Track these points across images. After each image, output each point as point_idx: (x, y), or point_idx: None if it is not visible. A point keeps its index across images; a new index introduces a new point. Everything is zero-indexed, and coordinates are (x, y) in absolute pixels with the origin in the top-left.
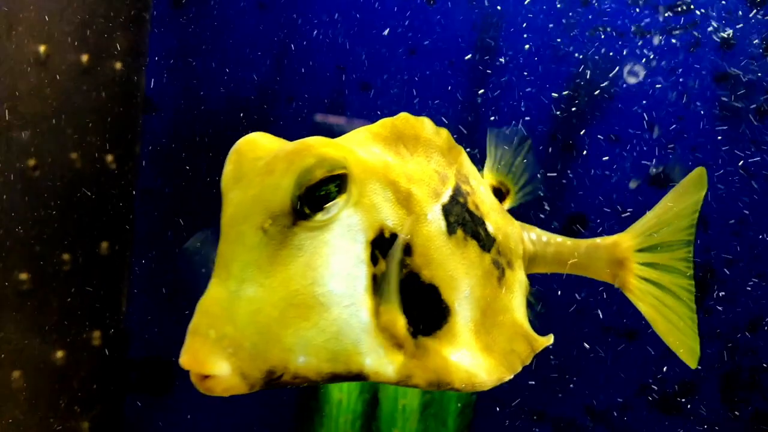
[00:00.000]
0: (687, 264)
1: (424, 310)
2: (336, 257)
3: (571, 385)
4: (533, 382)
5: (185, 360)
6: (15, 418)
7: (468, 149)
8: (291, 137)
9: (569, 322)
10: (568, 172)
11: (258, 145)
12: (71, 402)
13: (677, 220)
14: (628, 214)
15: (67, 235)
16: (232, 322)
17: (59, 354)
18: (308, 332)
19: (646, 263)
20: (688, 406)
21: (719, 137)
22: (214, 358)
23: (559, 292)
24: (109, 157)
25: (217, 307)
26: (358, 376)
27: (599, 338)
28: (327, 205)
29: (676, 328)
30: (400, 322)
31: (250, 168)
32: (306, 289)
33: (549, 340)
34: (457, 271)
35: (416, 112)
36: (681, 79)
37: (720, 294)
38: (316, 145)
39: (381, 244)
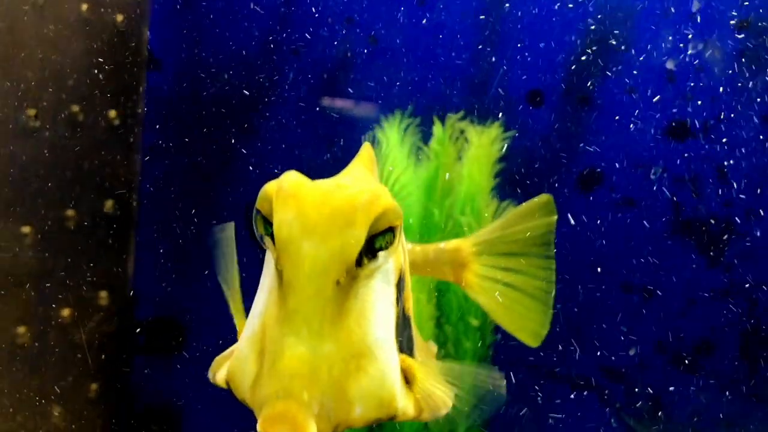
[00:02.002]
0: (539, 268)
1: (409, 344)
2: (379, 304)
3: (587, 344)
4: (549, 340)
5: (282, 427)
6: (22, 375)
7: (477, 106)
8: (297, 93)
9: (585, 280)
10: (583, 126)
11: (310, 190)
12: (79, 361)
13: (521, 234)
14: (646, 167)
15: (70, 190)
16: (317, 382)
17: (65, 312)
18: (363, 382)
19: (486, 265)
20: (707, 363)
21: (739, 85)
22: (309, 421)
23: (574, 251)
24: (112, 113)
25: (305, 368)
26: (390, 419)
27: (615, 296)
28: (380, 253)
29: (518, 316)
30: (408, 360)
31: (318, 216)
32: (362, 339)
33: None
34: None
35: (425, 67)
36: (701, 28)
37: (740, 249)
38: (382, 194)
39: (398, 285)
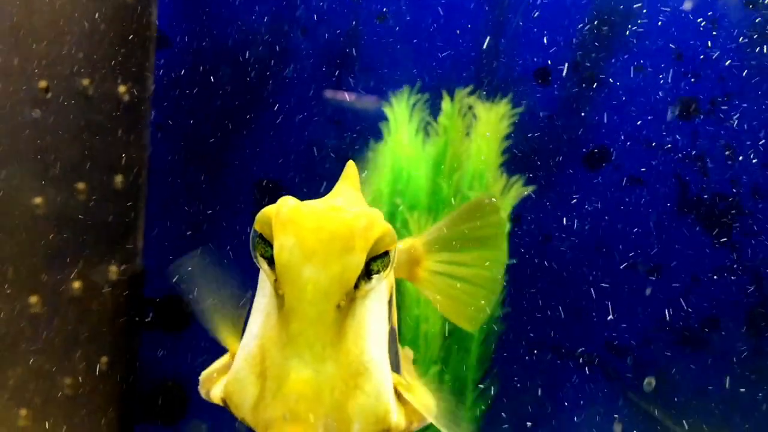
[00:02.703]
0: (488, 261)
1: (396, 357)
2: (374, 323)
3: (593, 321)
4: (555, 317)
5: None
6: (34, 345)
7: (487, 81)
8: (307, 70)
9: (591, 258)
10: (590, 104)
11: (307, 215)
12: (90, 334)
13: (469, 231)
14: (653, 146)
15: (81, 163)
16: (322, 403)
17: (76, 284)
18: (360, 399)
19: (437, 261)
20: (712, 340)
21: (752, 63)
22: None
23: (580, 228)
24: (122, 88)
25: (310, 390)
26: None
27: (621, 274)
28: (375, 276)
29: (463, 305)
30: (395, 375)
31: (317, 242)
32: (359, 359)
33: None
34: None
35: (434, 43)
36: (711, 4)
37: (747, 227)
38: (378, 219)
39: (390, 302)
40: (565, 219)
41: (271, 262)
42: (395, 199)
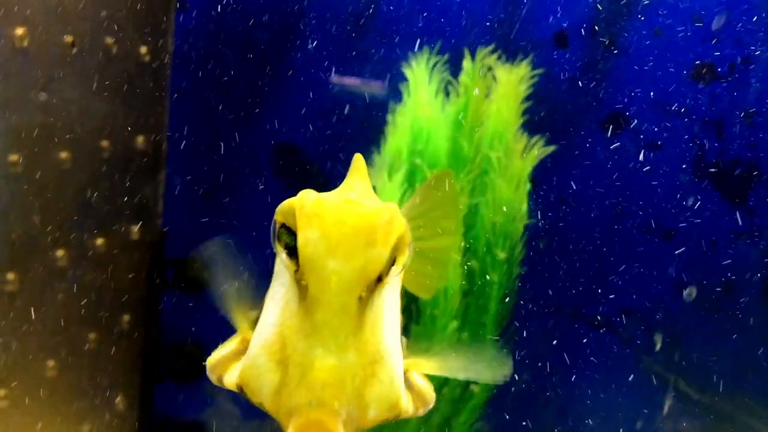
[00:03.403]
0: (445, 234)
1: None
2: (389, 312)
3: (608, 284)
4: (571, 279)
5: None
6: (61, 299)
7: (507, 42)
8: (326, 31)
9: (607, 222)
10: (609, 68)
11: (331, 209)
12: (113, 291)
13: (428, 207)
14: (671, 110)
15: (104, 121)
16: (344, 390)
17: (100, 241)
18: (376, 387)
19: None
20: (728, 304)
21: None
22: (340, 428)
23: (596, 192)
24: (143, 49)
25: (334, 378)
26: (395, 419)
27: (637, 238)
28: (393, 268)
29: (422, 277)
30: (405, 361)
31: (340, 236)
32: (376, 348)
33: None
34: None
35: (453, 4)
36: None
37: (764, 191)
38: (397, 214)
39: (401, 292)
40: (582, 182)
41: (292, 252)
42: (415, 159)
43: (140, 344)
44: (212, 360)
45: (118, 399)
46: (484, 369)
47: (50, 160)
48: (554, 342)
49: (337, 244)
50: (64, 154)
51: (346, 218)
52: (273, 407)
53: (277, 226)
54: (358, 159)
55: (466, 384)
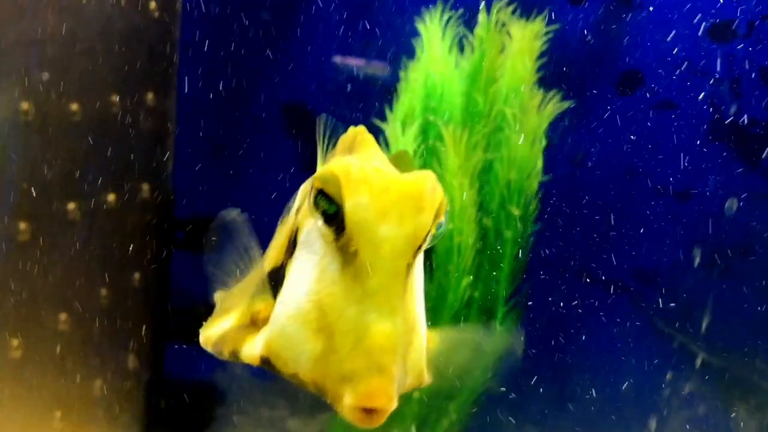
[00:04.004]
0: None
1: None
2: (419, 282)
3: (621, 245)
4: (584, 239)
5: (377, 400)
6: (72, 252)
7: (516, 0)
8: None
9: (621, 183)
10: (624, 25)
11: (377, 176)
12: (123, 249)
13: None
14: (687, 69)
15: (113, 75)
16: (399, 355)
17: (111, 197)
18: (412, 354)
19: None
20: (742, 266)
21: None
22: (395, 395)
23: (611, 151)
24: (152, 4)
25: (391, 343)
26: (418, 387)
27: (651, 199)
28: (429, 236)
29: None
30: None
31: (390, 202)
32: (413, 316)
33: None
34: None
35: None
36: None
37: None
38: (437, 182)
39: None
40: (596, 142)
41: (329, 219)
42: (428, 115)
43: (151, 303)
44: (212, 334)
45: (130, 357)
46: (495, 342)
47: (61, 111)
48: (566, 301)
49: (389, 209)
50: (74, 106)
51: (393, 186)
52: (315, 376)
53: (315, 192)
54: (361, 131)
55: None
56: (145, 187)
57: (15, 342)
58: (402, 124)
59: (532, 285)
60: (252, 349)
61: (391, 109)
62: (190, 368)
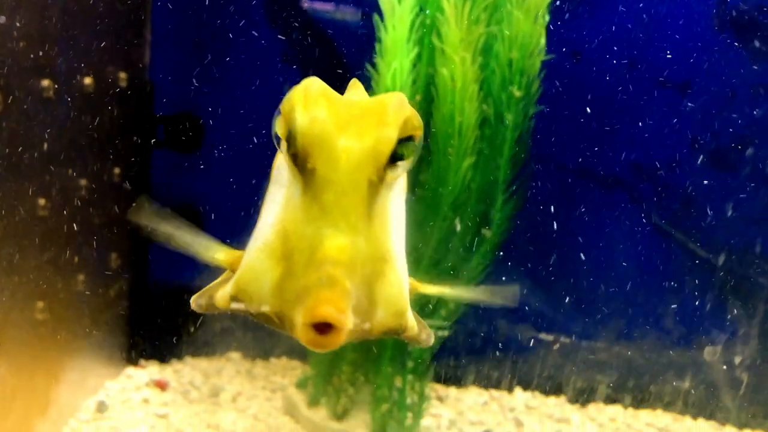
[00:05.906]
0: None
1: None
2: (395, 215)
3: (621, 139)
4: (582, 134)
5: (326, 311)
6: (50, 133)
7: None
8: None
9: (620, 76)
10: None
11: (334, 93)
12: (103, 139)
13: None
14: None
15: None
16: (355, 273)
17: (87, 80)
18: (385, 286)
19: None
20: (743, 160)
21: None
22: (349, 310)
23: (611, 42)
24: None
25: (346, 257)
26: (397, 334)
27: (652, 92)
28: (400, 162)
29: None
30: (411, 280)
31: (350, 115)
32: (384, 245)
33: None
34: None
35: None
36: None
37: None
38: (406, 99)
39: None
40: (596, 32)
41: (291, 142)
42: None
43: (132, 200)
44: (197, 296)
45: (113, 255)
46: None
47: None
48: (563, 203)
49: (347, 122)
50: None
51: (355, 102)
52: (275, 303)
53: (279, 114)
54: (354, 84)
55: (477, 230)
56: (122, 75)
57: None
58: None
59: (531, 173)
60: (223, 293)
61: None
62: (174, 272)
